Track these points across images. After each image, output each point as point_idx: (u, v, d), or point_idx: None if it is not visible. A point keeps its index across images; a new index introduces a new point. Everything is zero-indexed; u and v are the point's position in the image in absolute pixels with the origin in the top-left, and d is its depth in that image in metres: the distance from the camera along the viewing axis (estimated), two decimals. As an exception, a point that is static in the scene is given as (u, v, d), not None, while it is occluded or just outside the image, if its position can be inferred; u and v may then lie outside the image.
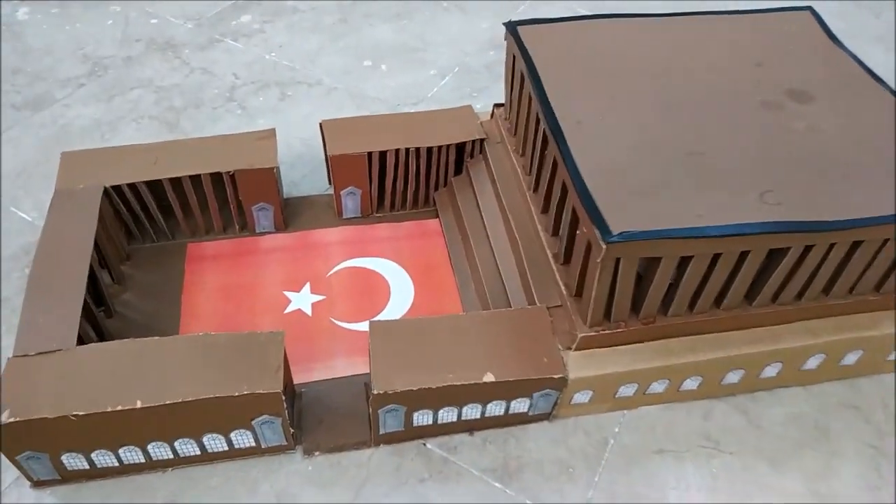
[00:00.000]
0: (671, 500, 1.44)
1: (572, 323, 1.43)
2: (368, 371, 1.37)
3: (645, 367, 1.42)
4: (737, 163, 1.38)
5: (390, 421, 1.42)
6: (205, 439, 1.38)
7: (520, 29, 1.68)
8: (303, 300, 1.75)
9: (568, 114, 1.45)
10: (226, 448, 1.42)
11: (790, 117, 1.49)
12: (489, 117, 1.95)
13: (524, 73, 1.61)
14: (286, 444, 1.44)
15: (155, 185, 1.72)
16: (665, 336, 1.45)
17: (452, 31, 2.73)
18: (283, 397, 1.32)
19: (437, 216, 1.97)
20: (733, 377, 1.53)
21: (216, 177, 1.74)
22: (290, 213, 1.96)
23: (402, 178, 1.90)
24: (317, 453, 1.47)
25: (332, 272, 1.82)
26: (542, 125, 1.51)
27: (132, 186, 1.70)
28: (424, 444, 1.50)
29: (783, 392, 1.63)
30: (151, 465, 1.41)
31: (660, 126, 1.45)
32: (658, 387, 1.50)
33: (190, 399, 1.28)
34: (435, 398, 1.38)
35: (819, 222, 1.26)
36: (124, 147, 1.81)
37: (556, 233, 1.57)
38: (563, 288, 1.48)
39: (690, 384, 1.52)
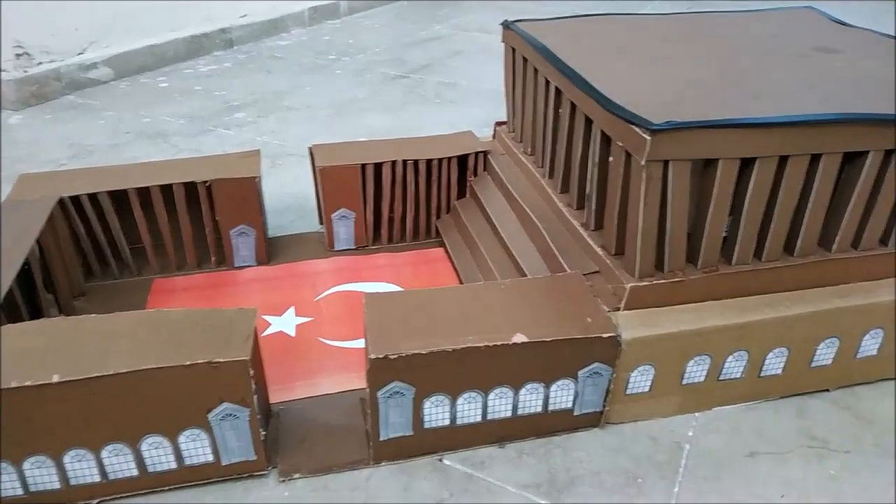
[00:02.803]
0: (785, 509, 1.04)
1: (618, 280, 1.15)
2: (365, 387, 1.05)
3: (718, 324, 1.11)
4: (783, 83, 1.21)
5: (395, 416, 1.07)
6: (144, 448, 1.02)
7: (519, 24, 1.61)
8: (285, 323, 1.46)
9: (585, 65, 1.30)
10: (173, 465, 1.05)
11: (826, 61, 1.35)
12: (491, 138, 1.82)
13: (525, 56, 1.51)
14: (254, 459, 1.07)
15: (120, 201, 1.51)
16: (733, 292, 1.16)
17: (447, 117, 2.72)
18: (252, 371, 1.00)
19: (441, 245, 1.74)
20: (826, 353, 1.20)
21: (191, 191, 1.54)
22: (276, 250, 1.73)
23: (399, 199, 1.70)
24: (296, 476, 1.09)
25: (320, 297, 1.54)
26: (552, 87, 1.36)
27: (93, 199, 1.49)
28: (440, 460, 1.13)
29: (889, 385, 1.29)
30: (68, 496, 1.03)
31: (687, 67, 1.30)
32: (735, 367, 1.17)
33: (123, 371, 0.95)
34: (452, 373, 1.05)
35: (890, 114, 1.06)
36: (91, 168, 1.63)
37: (580, 205, 1.34)
38: (599, 251, 1.22)
39: (775, 364, 1.19)
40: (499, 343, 1.04)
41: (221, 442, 1.05)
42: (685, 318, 1.12)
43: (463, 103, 2.87)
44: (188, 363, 0.97)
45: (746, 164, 1.07)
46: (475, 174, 1.74)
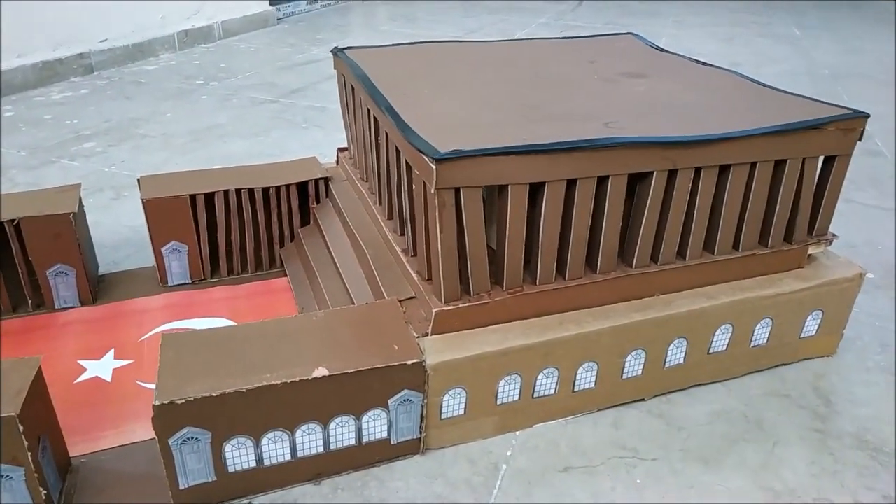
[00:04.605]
0: (589, 522, 1.07)
1: (427, 305, 1.16)
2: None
3: (521, 343, 1.13)
4: (579, 108, 1.26)
5: (192, 464, 1.02)
6: None
7: (347, 51, 1.62)
8: (102, 367, 1.37)
9: (398, 95, 1.31)
10: (-62, 538, 0.95)
11: (628, 86, 1.43)
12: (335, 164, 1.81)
13: (352, 84, 1.51)
14: (37, 519, 1.00)
15: (-88, 245, 1.39)
16: (539, 311, 1.19)
17: (311, 141, 2.69)
18: (22, 428, 0.92)
19: (286, 274, 1.70)
20: (635, 365, 1.26)
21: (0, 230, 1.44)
22: (105, 288, 1.63)
23: (237, 229, 1.65)
24: (88, 535, 1.02)
25: (145, 337, 1.47)
26: (372, 112, 1.37)
27: None
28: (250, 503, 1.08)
29: (699, 391, 1.36)
30: None
31: (498, 94, 1.34)
32: (547, 384, 1.20)
33: None
34: (251, 414, 1.01)
35: (665, 137, 1.13)
36: None
37: (403, 231, 1.35)
38: (415, 276, 1.23)
39: (586, 379, 1.23)
40: (298, 379, 1.01)
41: (-4, 506, 0.96)
42: (490, 339, 1.14)
43: (330, 128, 2.85)
44: (-55, 425, 0.89)
45: (538, 188, 1.10)
46: (317, 201, 1.72)
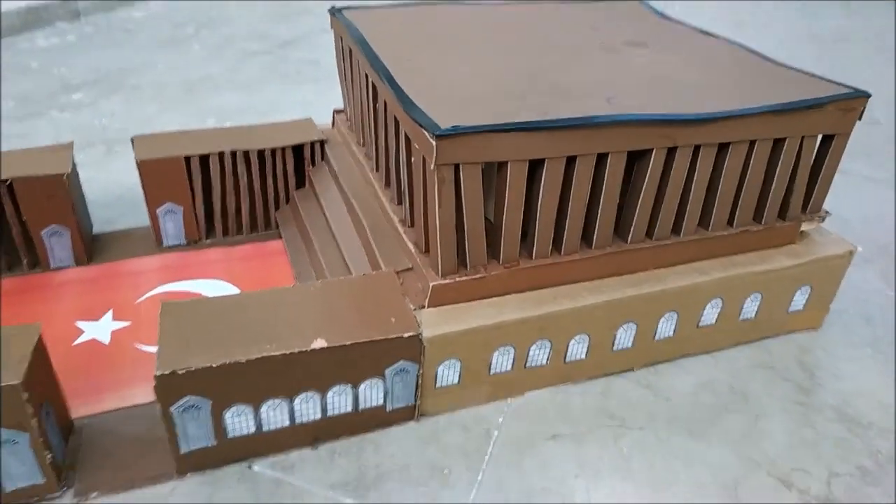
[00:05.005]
0: (577, 489, 1.11)
1: (424, 278, 1.17)
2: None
3: (515, 317, 1.15)
4: (580, 82, 1.25)
5: (194, 429, 1.05)
6: None
7: (345, 11, 1.58)
8: (100, 329, 1.38)
9: (397, 61, 1.29)
10: (-53, 498, 0.98)
11: (629, 56, 1.41)
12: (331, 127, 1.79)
13: (350, 46, 1.48)
14: (43, 482, 1.02)
15: None
16: (535, 285, 1.21)
17: (304, 96, 2.64)
18: (26, 395, 0.94)
19: (280, 237, 1.70)
20: (625, 337, 1.28)
21: (-11, 192, 1.42)
22: (100, 248, 1.63)
23: (232, 191, 1.64)
24: (93, 495, 1.05)
25: (142, 298, 1.48)
26: (371, 78, 1.35)
27: None
28: (250, 467, 1.12)
29: (688, 362, 1.39)
30: None
31: (498, 63, 1.32)
32: (539, 355, 1.23)
33: None
34: (250, 383, 1.04)
35: (666, 115, 1.12)
36: None
37: (400, 201, 1.35)
38: (412, 247, 1.24)
39: (578, 350, 1.26)
40: (297, 350, 1.03)
41: (5, 469, 0.99)
42: (485, 312, 1.15)
43: (324, 82, 2.80)
44: (-51, 392, 0.90)
45: (537, 164, 1.10)
46: (313, 164, 1.71)
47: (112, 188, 1.89)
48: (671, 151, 1.18)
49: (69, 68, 2.79)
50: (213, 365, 0.99)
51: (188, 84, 2.70)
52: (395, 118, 1.22)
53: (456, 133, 1.01)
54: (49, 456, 1.01)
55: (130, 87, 2.64)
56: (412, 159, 1.16)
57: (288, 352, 1.03)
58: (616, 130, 1.10)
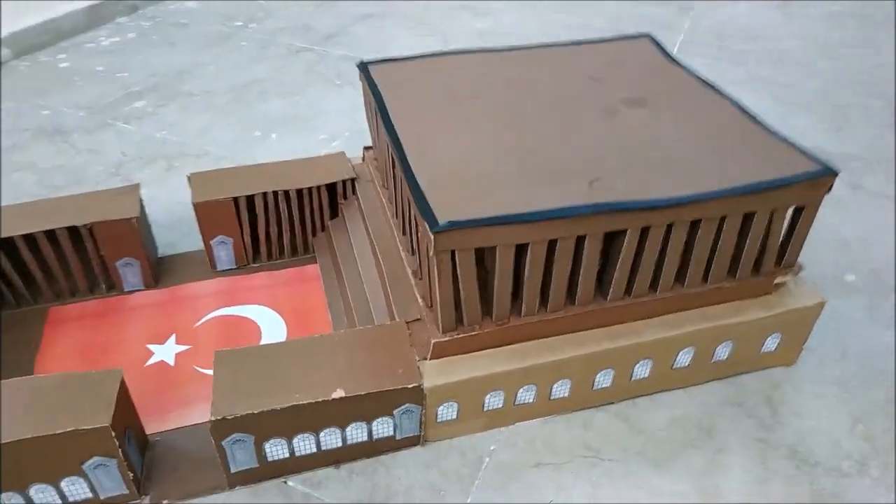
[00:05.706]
0: (550, 513, 1.35)
1: (428, 332, 1.39)
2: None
3: (504, 369, 1.37)
4: (570, 158, 1.41)
5: (240, 455, 1.32)
6: (32, 492, 1.25)
7: (370, 67, 1.75)
8: (166, 352, 1.67)
9: (409, 132, 1.48)
10: (58, 503, 1.29)
11: (625, 119, 1.55)
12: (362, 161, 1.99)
13: (375, 108, 1.66)
14: (127, 493, 1.32)
15: (5, 246, 1.66)
16: (523, 338, 1.41)
17: (344, 103, 2.83)
18: (114, 433, 1.22)
19: (317, 261, 1.94)
20: (604, 379, 1.48)
21: (74, 232, 1.70)
22: (164, 271, 1.91)
23: (275, 223, 1.88)
24: (164, 502, 1.35)
25: (199, 322, 1.75)
26: (390, 147, 1.54)
27: (-21, 245, 1.64)
28: (285, 482, 1.39)
29: (664, 396, 1.58)
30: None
31: (498, 135, 1.49)
32: (527, 395, 1.44)
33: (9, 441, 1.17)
34: (284, 423, 1.29)
35: (638, 201, 1.28)
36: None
37: (414, 251, 1.56)
38: (420, 301, 1.45)
39: (560, 390, 1.47)
40: (321, 399, 1.28)
41: (97, 483, 1.28)
42: (479, 364, 1.37)
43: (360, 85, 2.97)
44: (60, 432, 1.19)
45: (523, 245, 1.29)
46: (345, 197, 1.92)
47: (173, 208, 2.15)
48: (645, 230, 1.34)
49: (130, 72, 3.04)
50: (255, 412, 1.25)
51: (236, 90, 2.91)
52: (408, 191, 1.41)
53: (451, 228, 1.20)
54: (132, 475, 1.30)
55: (185, 94, 2.88)
56: (420, 229, 1.36)
57: (314, 400, 1.28)
58: (593, 218, 1.27)
